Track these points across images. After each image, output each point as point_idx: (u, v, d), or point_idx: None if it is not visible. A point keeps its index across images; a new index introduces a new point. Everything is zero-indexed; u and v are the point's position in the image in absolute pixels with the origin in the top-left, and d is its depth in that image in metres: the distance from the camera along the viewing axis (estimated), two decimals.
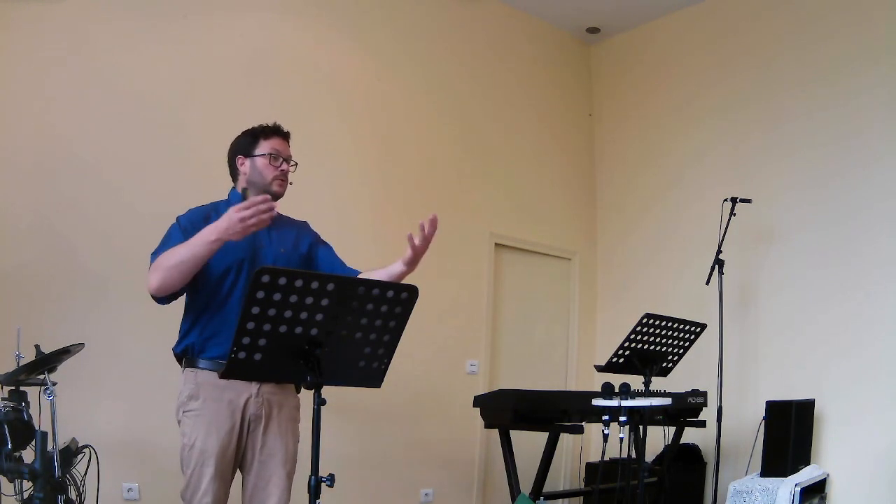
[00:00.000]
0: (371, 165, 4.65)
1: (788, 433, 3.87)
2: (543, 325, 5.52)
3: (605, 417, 2.89)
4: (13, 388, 2.47)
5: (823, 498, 3.99)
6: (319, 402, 1.92)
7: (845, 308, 4.20)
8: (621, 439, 2.87)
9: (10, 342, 2.58)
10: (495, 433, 3.77)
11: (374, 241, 4.36)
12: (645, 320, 3.19)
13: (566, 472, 5.30)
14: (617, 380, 2.99)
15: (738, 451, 4.40)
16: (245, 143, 2.50)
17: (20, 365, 2.50)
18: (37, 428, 2.42)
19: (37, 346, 2.59)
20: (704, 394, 4.10)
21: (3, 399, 2.45)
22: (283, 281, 1.79)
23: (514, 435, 3.66)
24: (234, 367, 1.89)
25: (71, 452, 2.53)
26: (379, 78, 4.75)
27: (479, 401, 3.82)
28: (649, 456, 4.03)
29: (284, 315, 1.84)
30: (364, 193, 4.56)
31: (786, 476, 3.79)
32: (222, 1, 4.19)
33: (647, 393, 3.27)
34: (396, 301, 1.98)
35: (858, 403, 4.03)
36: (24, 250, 3.44)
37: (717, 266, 4.36)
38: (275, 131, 2.52)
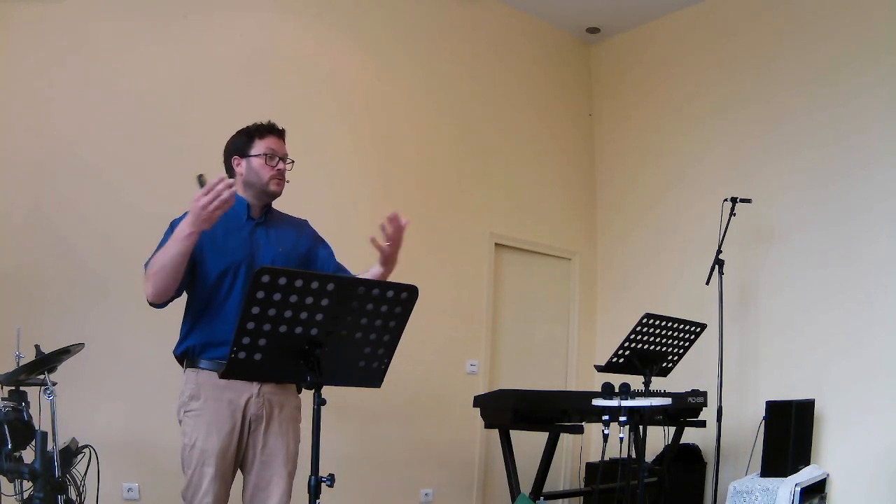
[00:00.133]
0: (371, 165, 4.65)
1: (788, 433, 3.86)
2: (543, 325, 5.52)
3: (605, 417, 2.89)
4: (13, 388, 2.47)
5: (823, 498, 3.99)
6: (319, 402, 1.92)
7: (845, 308, 4.20)
8: (621, 439, 2.87)
9: (10, 342, 2.58)
10: (495, 433, 3.77)
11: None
12: (645, 320, 3.19)
13: (566, 472, 5.30)
14: (617, 380, 2.99)
15: (738, 451, 4.40)
16: (240, 143, 2.49)
17: (20, 365, 2.50)
18: (37, 428, 2.42)
19: (37, 346, 2.59)
20: (704, 394, 4.10)
21: (3, 399, 2.45)
22: (283, 281, 1.79)
23: (514, 435, 3.66)
24: (234, 367, 1.89)
25: (71, 452, 2.53)
26: (379, 78, 4.75)
27: (479, 401, 3.82)
28: (649, 456, 4.03)
29: (284, 315, 1.84)
30: (364, 193, 4.56)
31: (786, 476, 3.79)
32: (222, 1, 4.19)
33: (647, 393, 3.27)
34: (396, 301, 1.98)
35: (858, 403, 4.03)
36: (24, 250, 3.44)
37: (717, 266, 4.36)
38: (269, 130, 2.50)
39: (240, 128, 2.54)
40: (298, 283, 1.82)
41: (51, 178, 3.55)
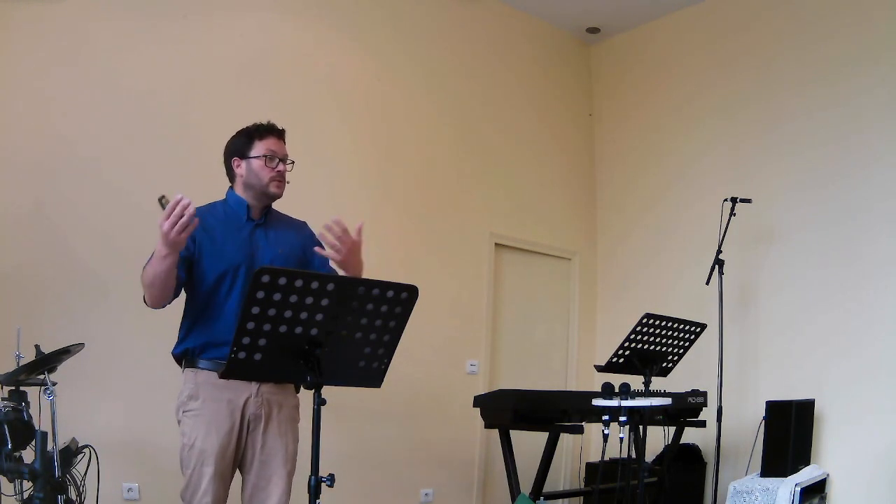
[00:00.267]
0: (371, 165, 4.65)
1: (788, 433, 3.86)
2: (543, 325, 5.52)
3: (605, 417, 2.89)
4: (13, 388, 2.47)
5: (823, 498, 3.99)
6: (319, 402, 1.92)
7: (845, 308, 4.20)
8: (621, 439, 2.86)
9: (10, 342, 2.58)
10: (495, 433, 3.77)
11: (373, 242, 4.32)
12: (645, 320, 3.19)
13: (566, 472, 5.30)
14: (617, 380, 2.99)
15: (738, 451, 4.40)
16: (240, 145, 2.48)
17: (20, 365, 2.50)
18: (37, 428, 2.42)
19: (37, 346, 2.59)
20: (704, 394, 4.10)
21: (3, 399, 2.45)
22: (283, 281, 1.80)
23: (514, 435, 3.66)
24: (234, 367, 1.89)
25: (71, 452, 2.53)
26: (379, 78, 4.75)
27: (479, 401, 3.82)
28: (649, 456, 4.03)
29: (284, 315, 1.84)
30: (364, 193, 4.56)
31: (786, 476, 3.79)
32: (222, 1, 4.19)
33: (647, 393, 3.27)
34: (396, 301, 1.98)
35: (858, 403, 4.03)
36: (24, 250, 3.44)
37: (717, 266, 4.36)
38: (269, 130, 2.49)
39: (240, 128, 2.53)
40: (298, 283, 1.82)
41: (51, 178, 3.55)
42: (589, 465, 4.84)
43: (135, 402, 3.53)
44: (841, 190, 4.35)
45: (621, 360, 3.26)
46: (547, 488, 3.76)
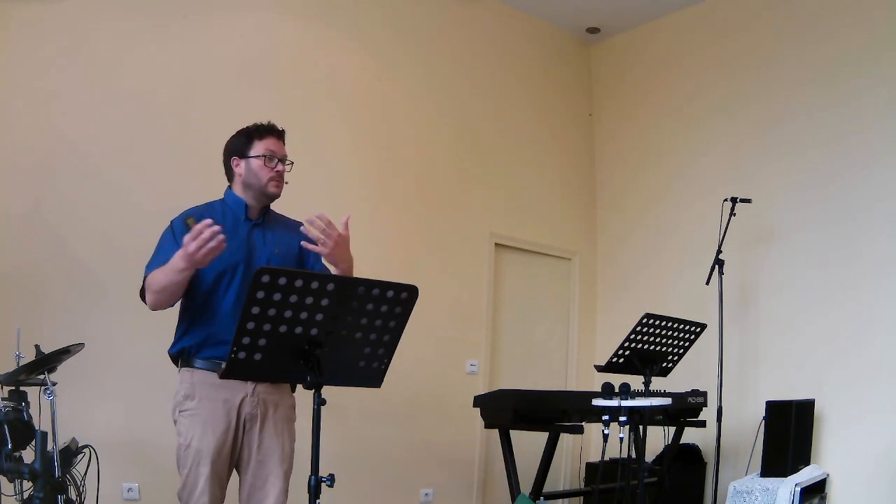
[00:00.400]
0: (371, 165, 4.64)
1: (788, 433, 3.86)
2: (543, 325, 5.52)
3: (605, 417, 2.89)
4: (13, 388, 2.46)
5: (823, 498, 3.99)
6: (319, 402, 1.92)
7: (845, 308, 4.20)
8: (621, 439, 2.86)
9: (10, 342, 2.58)
10: (495, 433, 3.77)
11: (373, 242, 4.36)
12: (645, 320, 3.19)
13: (566, 472, 5.30)
14: (617, 380, 2.99)
15: (738, 451, 4.40)
16: (239, 144, 2.49)
17: (20, 365, 2.50)
18: (37, 428, 2.42)
19: (37, 346, 2.59)
20: (704, 394, 4.10)
21: (3, 399, 2.45)
22: (283, 281, 1.80)
23: (514, 435, 3.66)
24: (234, 367, 1.89)
25: (71, 452, 2.53)
26: (379, 78, 4.75)
27: (479, 401, 3.82)
28: (649, 456, 4.03)
29: (284, 315, 1.84)
30: (364, 193, 4.56)
31: (786, 476, 3.79)
32: (222, 1, 4.19)
33: (647, 393, 3.27)
34: (396, 301, 1.98)
35: (858, 403, 4.03)
36: (23, 250, 3.44)
37: (717, 266, 4.36)
38: (269, 130, 2.50)
39: (239, 128, 2.54)
40: (298, 283, 1.82)
41: (51, 178, 3.55)
42: (589, 465, 4.84)
43: (134, 402, 3.53)
44: (841, 190, 4.35)
45: (621, 360, 3.26)
46: (547, 488, 3.76)
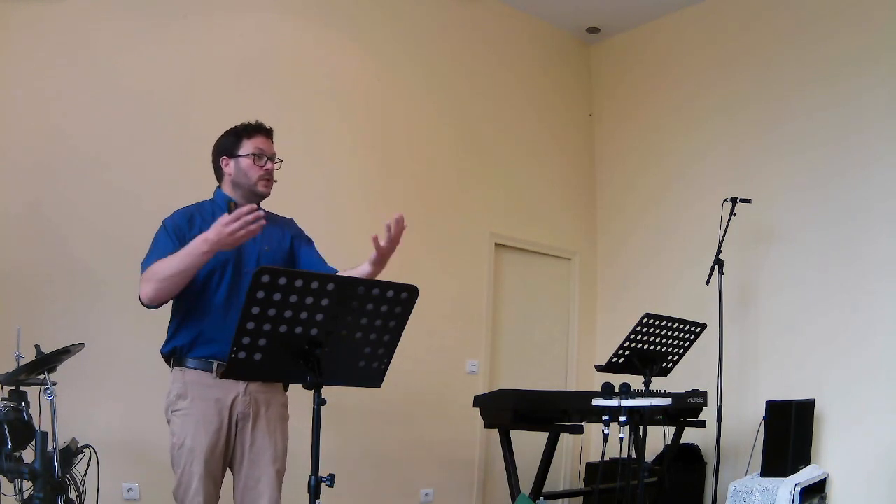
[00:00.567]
0: (371, 165, 4.64)
1: (788, 433, 3.86)
2: (543, 325, 5.52)
3: (605, 417, 2.89)
4: (13, 388, 2.46)
5: (823, 498, 3.99)
6: (319, 402, 1.92)
7: (845, 308, 4.20)
8: (621, 439, 2.86)
9: (10, 342, 2.58)
10: (495, 433, 3.77)
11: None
12: (645, 320, 3.19)
13: (566, 472, 5.30)
14: (617, 380, 2.99)
15: (738, 451, 4.40)
16: (228, 144, 2.49)
17: (20, 365, 2.50)
18: (37, 428, 2.42)
19: (37, 346, 2.59)
20: (704, 394, 4.10)
21: (3, 399, 2.45)
22: (283, 281, 1.80)
23: (514, 435, 3.66)
24: (234, 367, 1.89)
25: (71, 452, 2.53)
26: (379, 78, 4.75)
27: (479, 401, 3.82)
28: (649, 456, 4.03)
29: (284, 315, 1.84)
30: (363, 193, 4.56)
31: (786, 476, 3.79)
32: (222, 1, 4.19)
33: (647, 393, 3.27)
34: (396, 301, 1.98)
35: (858, 403, 4.03)
36: (23, 250, 3.44)
37: (717, 266, 4.36)
38: (257, 129, 2.50)
39: None
40: (298, 283, 1.82)
41: (51, 177, 3.55)
42: (589, 465, 4.84)
43: (134, 402, 3.53)
44: (841, 190, 4.35)
45: (621, 360, 3.26)
46: (547, 488, 3.76)
